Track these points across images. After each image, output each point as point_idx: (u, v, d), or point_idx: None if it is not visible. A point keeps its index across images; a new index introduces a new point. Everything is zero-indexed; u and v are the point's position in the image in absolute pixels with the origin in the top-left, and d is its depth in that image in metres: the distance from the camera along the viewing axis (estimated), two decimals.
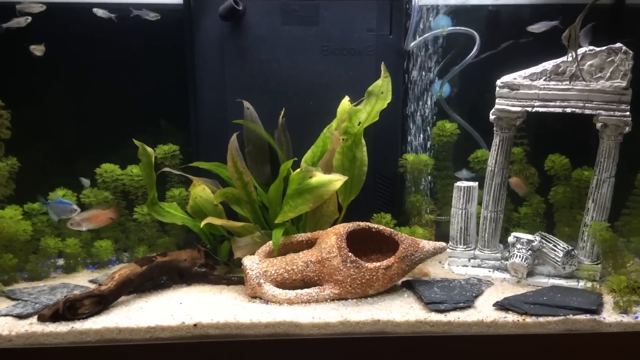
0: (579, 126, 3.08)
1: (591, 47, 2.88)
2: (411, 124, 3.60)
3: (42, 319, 2.59)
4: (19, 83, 3.46)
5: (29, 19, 3.12)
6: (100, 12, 3.17)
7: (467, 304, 2.75)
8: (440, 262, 3.39)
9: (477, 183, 3.25)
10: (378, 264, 2.84)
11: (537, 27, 3.31)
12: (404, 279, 3.00)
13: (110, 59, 3.44)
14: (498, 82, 3.03)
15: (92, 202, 3.30)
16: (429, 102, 3.59)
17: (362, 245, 3.04)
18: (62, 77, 3.50)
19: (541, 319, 2.64)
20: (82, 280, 3.14)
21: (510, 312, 2.70)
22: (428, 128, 3.62)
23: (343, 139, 3.13)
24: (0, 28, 3.07)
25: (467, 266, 3.26)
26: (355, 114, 3.14)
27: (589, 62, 2.89)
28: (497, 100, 3.05)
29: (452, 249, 3.28)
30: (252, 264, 2.89)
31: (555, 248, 3.05)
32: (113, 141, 3.44)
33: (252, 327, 2.61)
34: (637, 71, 2.85)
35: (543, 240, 3.08)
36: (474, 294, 2.87)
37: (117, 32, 3.30)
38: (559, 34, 2.73)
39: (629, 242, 3.33)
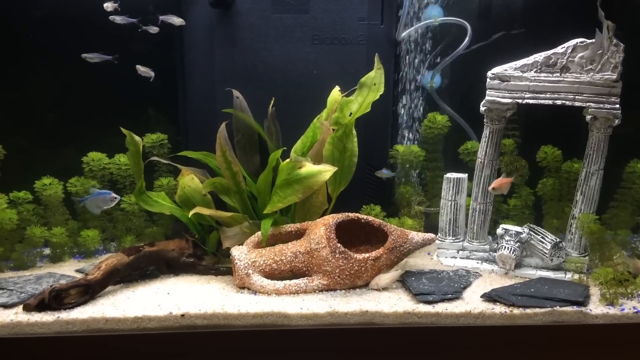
0: (569, 118, 3.08)
1: (582, 39, 2.87)
2: (402, 115, 3.59)
3: (28, 308, 2.57)
4: (2, 68, 3.40)
5: (184, 22, 3.16)
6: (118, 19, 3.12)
7: (455, 295, 2.76)
8: (429, 254, 3.39)
9: (466, 175, 3.25)
10: (367, 255, 2.84)
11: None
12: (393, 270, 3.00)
13: (98, 45, 3.39)
14: (489, 74, 3.02)
15: (78, 190, 3.27)
16: (419, 93, 3.59)
17: (351, 236, 3.04)
18: (48, 64, 3.45)
19: (528, 311, 2.65)
20: (69, 270, 3.11)
21: (498, 303, 2.71)
22: (419, 119, 3.61)
23: (333, 130, 3.11)
24: (156, 20, 3.14)
25: (455, 257, 3.27)
26: (347, 104, 3.12)
27: (580, 54, 2.88)
28: (487, 92, 3.04)
29: (441, 241, 3.28)
30: (241, 254, 2.87)
31: (543, 240, 3.07)
32: (100, 129, 3.39)
33: (240, 318, 2.60)
34: (627, 64, 2.85)
35: (531, 232, 3.10)
36: (462, 286, 2.88)
37: (105, 19, 3.24)
38: (551, 25, 2.73)
39: (616, 234, 3.35)
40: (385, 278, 2.84)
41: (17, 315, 2.54)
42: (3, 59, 3.40)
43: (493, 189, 3.06)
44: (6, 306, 2.63)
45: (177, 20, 3.13)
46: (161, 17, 3.13)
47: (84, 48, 3.33)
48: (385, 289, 2.85)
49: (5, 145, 3.23)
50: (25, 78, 3.46)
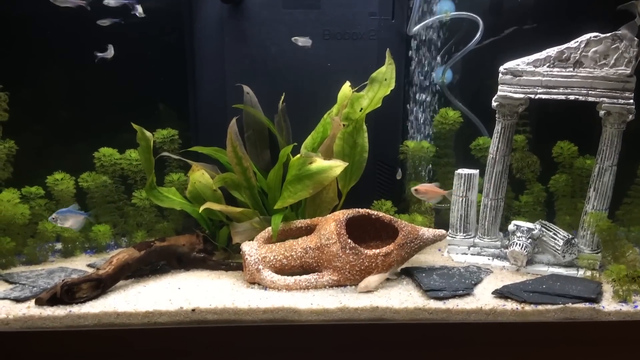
0: (582, 113, 3.05)
1: (596, 34, 2.84)
2: (413, 110, 3.58)
3: (40, 302, 2.59)
4: (16, 65, 3.42)
5: (310, 41, 3.13)
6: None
7: (466, 291, 2.75)
8: (439, 250, 3.38)
9: (478, 171, 3.23)
10: (377, 250, 2.83)
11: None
12: (403, 266, 2.99)
13: (109, 42, 3.40)
14: (501, 69, 2.99)
15: (90, 186, 3.29)
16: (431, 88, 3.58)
17: (361, 232, 3.03)
18: (60, 60, 3.47)
19: (540, 307, 2.63)
20: (80, 265, 3.13)
21: (509, 300, 2.70)
22: (430, 115, 3.60)
23: (344, 125, 3.10)
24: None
25: (466, 254, 3.25)
26: (358, 100, 3.11)
27: (594, 49, 2.85)
28: (499, 87, 3.01)
29: (452, 237, 3.27)
30: (251, 249, 2.88)
31: (555, 236, 3.04)
32: (112, 125, 3.41)
33: (250, 313, 2.60)
34: None
35: (543, 229, 3.07)
36: (473, 282, 2.87)
37: (116, 15, 3.25)
38: (564, 20, 2.70)
39: (629, 231, 3.32)
40: (374, 280, 2.79)
41: (29, 309, 2.56)
42: (17, 57, 3.42)
43: (416, 190, 3.01)
44: (19, 300, 2.65)
45: (302, 40, 3.13)
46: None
47: (95, 46, 3.34)
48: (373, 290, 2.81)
49: (17, 141, 3.26)
50: (37, 75, 3.48)
